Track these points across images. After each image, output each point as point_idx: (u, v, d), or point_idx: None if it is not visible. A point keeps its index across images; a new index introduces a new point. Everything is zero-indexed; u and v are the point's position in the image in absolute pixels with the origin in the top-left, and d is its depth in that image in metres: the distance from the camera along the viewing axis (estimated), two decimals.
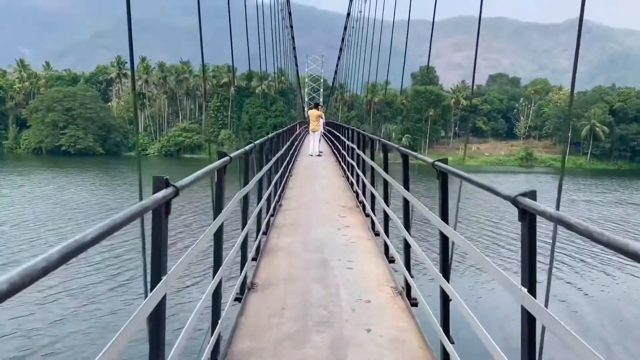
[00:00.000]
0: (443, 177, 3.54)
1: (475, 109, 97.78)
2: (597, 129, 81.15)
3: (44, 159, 76.80)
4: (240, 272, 4.66)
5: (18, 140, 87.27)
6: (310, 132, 20.39)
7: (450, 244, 3.57)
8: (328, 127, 27.03)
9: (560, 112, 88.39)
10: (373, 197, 7.72)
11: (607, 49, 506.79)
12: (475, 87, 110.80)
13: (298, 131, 23.67)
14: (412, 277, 4.58)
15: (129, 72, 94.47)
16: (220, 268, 3.59)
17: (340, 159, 16.63)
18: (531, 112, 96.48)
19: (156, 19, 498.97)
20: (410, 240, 4.62)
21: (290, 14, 33.19)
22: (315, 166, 17.25)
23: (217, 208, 3.59)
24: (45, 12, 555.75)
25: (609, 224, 34.29)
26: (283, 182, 10.80)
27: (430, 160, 3.71)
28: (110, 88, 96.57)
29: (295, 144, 19.56)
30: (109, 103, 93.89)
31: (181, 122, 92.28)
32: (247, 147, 5.18)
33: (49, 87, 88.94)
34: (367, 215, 8.16)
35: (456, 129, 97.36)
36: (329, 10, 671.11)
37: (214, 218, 3.47)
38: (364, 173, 9.21)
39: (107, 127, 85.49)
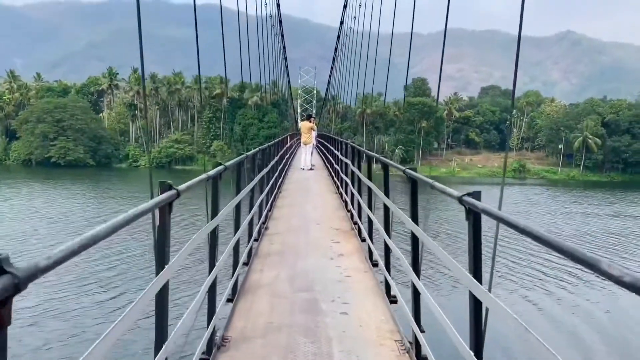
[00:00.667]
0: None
1: (468, 121, 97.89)
2: (590, 140, 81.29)
3: (34, 170, 75.89)
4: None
5: (7, 151, 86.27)
6: (302, 144, 19.58)
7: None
8: (320, 139, 26.51)
9: (552, 124, 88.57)
10: (370, 220, 7.03)
11: (597, 62, 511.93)
12: (467, 99, 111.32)
13: (289, 143, 22.56)
14: (422, 331, 3.77)
15: (121, 83, 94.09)
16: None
17: (333, 174, 15.89)
18: (523, 123, 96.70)
19: (149, 30, 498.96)
20: (419, 285, 3.73)
21: (281, 22, 32.86)
22: (307, 181, 16.42)
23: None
24: (38, 24, 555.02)
25: (611, 238, 34.04)
26: (271, 201, 10.01)
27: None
28: (102, 99, 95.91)
29: (287, 157, 18.74)
30: (100, 114, 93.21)
31: (173, 133, 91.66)
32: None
33: (39, 98, 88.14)
34: (364, 240, 7.37)
35: (449, 140, 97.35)
36: (322, 23, 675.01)
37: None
38: (359, 191, 8.47)
39: (98, 138, 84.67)
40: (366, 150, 8.61)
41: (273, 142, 12.30)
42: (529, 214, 44.08)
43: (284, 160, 16.23)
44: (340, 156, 12.72)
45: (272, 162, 10.30)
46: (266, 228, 8.53)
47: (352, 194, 9.33)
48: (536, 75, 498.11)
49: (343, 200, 11.09)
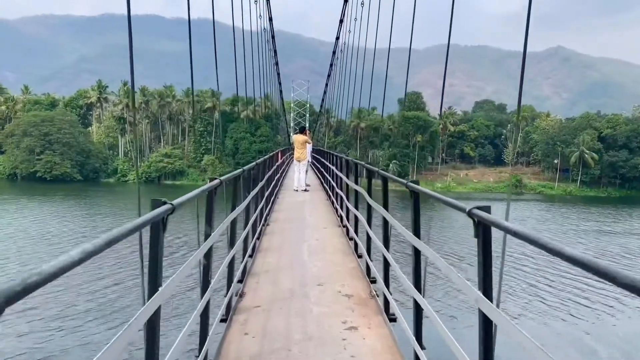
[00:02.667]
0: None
1: (463, 135, 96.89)
2: (587, 155, 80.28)
3: (18, 185, 73.71)
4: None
5: None
6: (294, 160, 16.57)
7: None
8: (316, 155, 24.36)
9: (548, 139, 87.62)
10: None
11: (587, 77, 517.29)
12: (461, 113, 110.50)
13: (280, 160, 18.71)
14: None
15: (110, 96, 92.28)
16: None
17: (332, 197, 12.87)
18: (518, 138, 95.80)
19: (142, 45, 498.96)
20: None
21: (273, 37, 31.75)
22: (301, 209, 12.89)
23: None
24: (31, 37, 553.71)
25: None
26: (253, 242, 7.40)
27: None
28: (91, 112, 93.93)
29: (277, 177, 15.29)
30: (89, 128, 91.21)
31: (163, 147, 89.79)
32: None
33: (26, 111, 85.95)
34: (392, 318, 4.66)
35: (443, 155, 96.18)
36: (315, 38, 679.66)
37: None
38: (369, 221, 6.52)
39: (86, 152, 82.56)
40: (366, 165, 7.24)
41: (259, 160, 9.22)
42: (542, 233, 42.48)
43: (273, 183, 12.93)
44: (346, 181, 9.80)
45: (253, 193, 7.24)
46: (241, 295, 5.40)
47: (356, 222, 7.65)
48: (527, 90, 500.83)
49: (350, 238, 8.34)
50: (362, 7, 23.19)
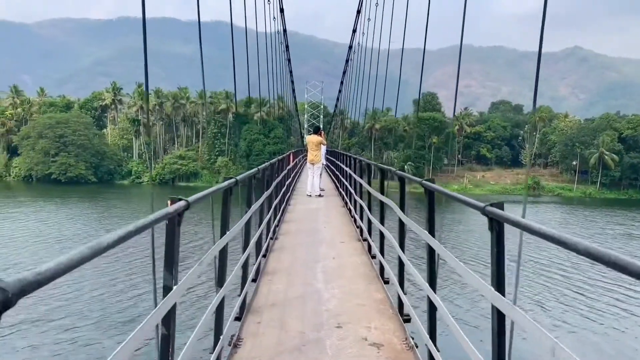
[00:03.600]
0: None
1: (479, 136, 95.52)
2: (606, 157, 78.50)
3: (34, 187, 73.99)
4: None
5: (9, 167, 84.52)
6: (308, 163, 15.37)
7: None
8: (330, 157, 23.13)
9: (567, 140, 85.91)
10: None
11: (605, 77, 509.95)
12: (477, 114, 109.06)
13: (292, 163, 17.36)
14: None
15: (125, 98, 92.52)
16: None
17: (349, 204, 11.63)
18: (536, 139, 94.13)
19: (156, 47, 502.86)
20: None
21: (285, 30, 31.40)
22: (315, 218, 11.47)
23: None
24: (47, 41, 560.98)
25: None
26: (255, 267, 6.16)
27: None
28: (105, 114, 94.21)
29: (288, 182, 13.58)
30: (104, 130, 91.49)
31: (177, 149, 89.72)
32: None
33: (41, 114, 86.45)
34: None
35: (459, 156, 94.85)
36: (329, 39, 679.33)
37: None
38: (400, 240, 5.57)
39: (101, 154, 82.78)
40: (400, 172, 5.90)
41: (263, 166, 7.36)
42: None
43: (284, 189, 11.53)
44: (361, 181, 9.31)
45: (255, 206, 5.75)
46: (235, 344, 4.13)
47: (382, 239, 6.51)
48: (543, 91, 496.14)
49: (372, 256, 7.21)
50: (377, 7, 22.67)
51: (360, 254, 7.75)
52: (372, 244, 7.37)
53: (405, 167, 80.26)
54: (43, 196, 59.43)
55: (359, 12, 25.77)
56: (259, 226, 6.63)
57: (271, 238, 8.06)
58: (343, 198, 13.88)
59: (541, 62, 4.83)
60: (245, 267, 5.12)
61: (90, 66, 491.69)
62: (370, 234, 7.76)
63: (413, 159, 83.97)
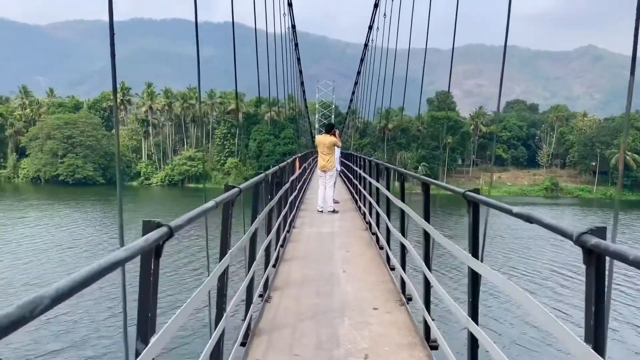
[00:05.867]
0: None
1: (495, 136, 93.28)
2: (628, 157, 75.86)
3: (42, 189, 73.06)
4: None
5: (17, 169, 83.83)
6: (318, 170, 12.28)
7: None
8: (345, 160, 19.45)
9: (586, 140, 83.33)
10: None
11: (620, 76, 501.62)
12: (492, 113, 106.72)
13: (298, 171, 13.12)
14: None
15: (134, 99, 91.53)
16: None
17: (373, 224, 8.92)
18: (554, 139, 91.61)
19: (167, 48, 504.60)
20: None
21: (294, 26, 30.05)
22: (329, 254, 7.81)
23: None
24: (60, 43, 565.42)
25: None
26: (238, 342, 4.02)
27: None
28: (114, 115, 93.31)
29: (291, 199, 9.55)
30: (113, 130, 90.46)
31: (186, 150, 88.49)
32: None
33: (50, 114, 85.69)
34: None
35: (473, 156, 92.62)
36: (341, 40, 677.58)
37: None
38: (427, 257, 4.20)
39: (109, 155, 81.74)
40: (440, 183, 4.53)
41: (248, 183, 4.38)
42: None
43: (285, 209, 8.19)
44: (400, 205, 5.78)
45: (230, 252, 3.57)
46: None
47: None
48: (557, 91, 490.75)
49: (431, 343, 4.10)
50: (392, 1, 21.14)
51: (406, 332, 4.39)
52: (430, 324, 4.10)
53: (419, 167, 78.32)
54: (53, 198, 58.36)
55: (376, 5, 24.33)
56: (248, 270, 4.36)
57: (263, 299, 5.15)
58: (365, 217, 10.67)
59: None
60: None
61: (103, 67, 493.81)
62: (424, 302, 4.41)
63: (427, 159, 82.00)
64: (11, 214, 45.28)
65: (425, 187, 4.43)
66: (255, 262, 4.50)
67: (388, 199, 7.01)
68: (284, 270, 6.57)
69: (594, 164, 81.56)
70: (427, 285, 4.31)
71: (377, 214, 8.25)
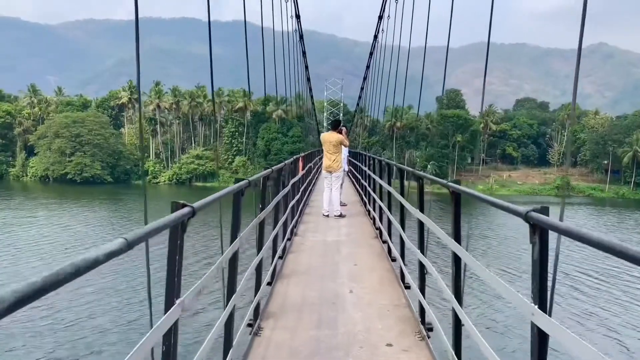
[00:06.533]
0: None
1: (504, 135, 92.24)
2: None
3: (50, 188, 73.03)
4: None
5: (26, 167, 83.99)
6: (323, 171, 11.20)
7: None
8: (353, 160, 18.76)
9: (598, 138, 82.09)
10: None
11: (631, 74, 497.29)
12: (502, 111, 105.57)
13: (301, 173, 11.66)
14: None
15: (141, 97, 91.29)
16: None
17: (384, 233, 8.10)
18: (565, 137, 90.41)
19: (176, 47, 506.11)
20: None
21: (298, 16, 29.71)
22: (334, 267, 6.93)
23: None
24: (70, 42, 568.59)
25: None
26: None
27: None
28: (122, 113, 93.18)
29: (292, 204, 8.82)
30: (121, 129, 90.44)
31: (194, 148, 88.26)
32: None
33: (58, 113, 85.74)
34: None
35: (483, 155, 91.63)
36: (349, 38, 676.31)
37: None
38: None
39: (117, 154, 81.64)
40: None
41: (231, 188, 3.61)
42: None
43: (284, 217, 7.40)
44: (429, 222, 4.57)
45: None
46: None
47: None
48: (567, 89, 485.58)
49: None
50: (397, 2, 20.82)
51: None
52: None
53: (429, 166, 77.59)
54: (62, 197, 58.31)
55: (380, 17, 23.98)
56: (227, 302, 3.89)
57: (253, 330, 4.38)
58: (375, 222, 9.87)
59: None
60: None
61: (113, 66, 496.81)
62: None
63: (436, 158, 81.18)
64: (36, 212, 45.19)
65: (456, 196, 3.54)
66: (243, 280, 4.03)
67: (402, 207, 6.19)
68: (281, 290, 5.73)
69: (606, 162, 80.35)
70: (457, 322, 3.42)
71: (389, 220, 7.55)
